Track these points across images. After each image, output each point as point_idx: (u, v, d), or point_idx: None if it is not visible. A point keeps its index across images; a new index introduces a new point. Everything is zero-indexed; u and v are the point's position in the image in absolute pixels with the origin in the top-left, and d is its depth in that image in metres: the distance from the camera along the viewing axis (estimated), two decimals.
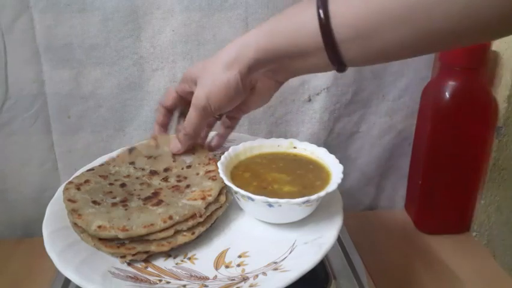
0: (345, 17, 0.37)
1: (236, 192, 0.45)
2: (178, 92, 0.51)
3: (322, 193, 0.43)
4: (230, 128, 0.55)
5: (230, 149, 0.51)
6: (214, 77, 0.44)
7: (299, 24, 0.40)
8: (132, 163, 0.53)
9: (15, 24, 0.61)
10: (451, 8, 0.33)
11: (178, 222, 0.43)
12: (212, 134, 0.58)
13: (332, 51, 0.39)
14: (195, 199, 0.45)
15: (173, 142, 0.52)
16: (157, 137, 0.55)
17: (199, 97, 0.45)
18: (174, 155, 0.54)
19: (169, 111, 0.53)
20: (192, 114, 0.47)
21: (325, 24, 0.38)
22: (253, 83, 0.48)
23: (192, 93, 0.48)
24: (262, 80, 0.48)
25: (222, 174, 0.46)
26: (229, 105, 0.46)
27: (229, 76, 0.43)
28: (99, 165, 0.53)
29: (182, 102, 0.52)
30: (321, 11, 0.38)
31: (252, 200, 0.43)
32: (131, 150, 0.55)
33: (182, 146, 0.51)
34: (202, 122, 0.48)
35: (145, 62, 0.66)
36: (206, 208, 0.45)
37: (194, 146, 0.55)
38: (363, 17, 0.37)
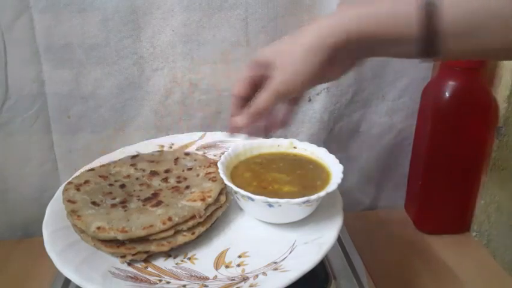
0: (455, 11, 0.36)
1: (236, 192, 0.45)
2: (250, 78, 0.48)
3: (322, 193, 0.43)
4: (297, 104, 0.52)
5: (230, 149, 0.51)
6: (295, 61, 0.42)
7: (399, 12, 0.38)
8: (133, 165, 0.53)
9: (15, 24, 0.61)
10: None
11: (177, 224, 0.43)
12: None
13: (431, 44, 0.38)
14: (195, 200, 0.45)
15: (235, 118, 0.48)
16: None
17: (277, 82, 0.43)
18: (176, 159, 0.54)
19: (243, 100, 0.48)
20: (267, 96, 0.44)
21: (430, 17, 0.36)
22: (334, 63, 0.45)
23: (265, 77, 0.45)
24: (342, 59, 0.44)
25: (222, 174, 0.46)
26: (308, 89, 0.45)
27: (312, 60, 0.41)
28: (100, 166, 0.53)
29: (255, 89, 0.48)
30: (426, 3, 0.36)
31: (252, 200, 0.43)
32: (134, 157, 0.56)
33: (247, 121, 0.47)
34: (275, 104, 0.45)
35: (145, 62, 0.66)
36: (206, 209, 0.45)
37: (195, 156, 0.55)
38: (477, 11, 0.36)
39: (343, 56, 0.42)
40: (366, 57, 0.45)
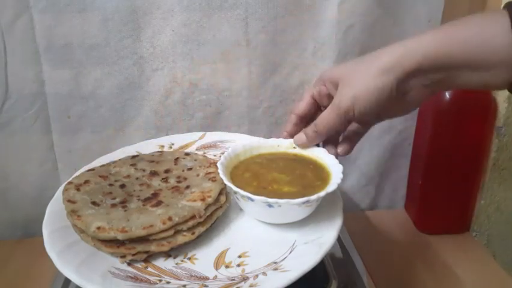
0: None
1: (236, 193, 0.45)
2: (313, 97, 0.46)
3: (322, 193, 0.43)
4: (360, 134, 0.50)
5: (230, 149, 0.51)
6: (366, 80, 0.40)
7: (484, 34, 0.36)
8: (133, 165, 0.53)
9: (15, 24, 0.61)
10: None
11: (177, 224, 0.43)
12: None
13: None
14: (195, 200, 0.45)
15: (299, 134, 0.47)
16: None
17: (344, 98, 0.41)
18: (176, 159, 0.54)
19: (301, 120, 0.47)
20: (330, 114, 0.43)
21: None
22: (407, 91, 0.42)
23: (329, 96, 0.44)
24: (416, 88, 0.42)
25: (221, 175, 0.46)
26: (375, 112, 0.42)
27: (384, 81, 0.39)
28: (100, 166, 0.53)
29: (317, 108, 0.47)
30: None
31: (252, 200, 0.43)
32: (134, 157, 0.56)
33: (308, 141, 0.47)
34: (338, 124, 0.43)
35: (145, 62, 0.66)
36: (206, 209, 0.45)
37: (195, 156, 0.55)
38: None
39: (417, 83, 0.40)
40: (442, 88, 0.43)
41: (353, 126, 0.49)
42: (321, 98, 0.46)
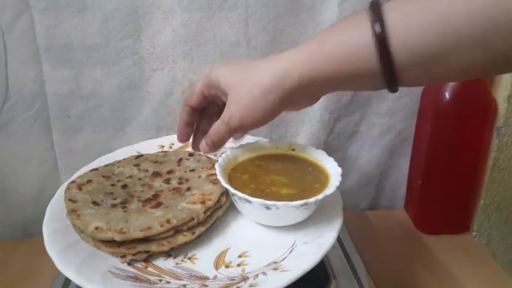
0: (408, 42, 0.34)
1: (233, 195, 0.45)
2: (204, 94, 0.48)
3: (320, 196, 0.43)
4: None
5: (228, 151, 0.51)
6: (252, 99, 0.42)
7: (351, 46, 0.37)
8: (137, 165, 0.53)
9: (15, 24, 0.61)
10: None
11: (175, 227, 0.43)
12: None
13: (389, 77, 0.36)
14: (194, 203, 0.45)
15: (202, 143, 0.49)
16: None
17: (234, 117, 0.43)
18: (179, 160, 0.54)
19: (194, 111, 0.51)
20: (222, 129, 0.45)
21: (383, 51, 0.35)
22: (295, 100, 0.44)
23: (219, 98, 0.46)
24: (304, 96, 0.44)
25: (219, 176, 0.46)
26: (264, 122, 0.44)
27: (268, 101, 0.41)
28: (104, 166, 0.53)
29: (208, 103, 0.50)
30: (376, 34, 0.35)
31: (250, 202, 0.43)
32: (138, 157, 0.56)
33: (210, 150, 0.49)
34: (230, 135, 0.46)
35: (145, 62, 0.66)
36: (205, 211, 0.44)
37: (198, 157, 0.55)
38: (430, 41, 0.33)
39: (301, 95, 0.42)
40: (329, 92, 0.44)
41: None
42: (212, 97, 0.48)
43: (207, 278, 0.41)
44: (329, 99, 0.70)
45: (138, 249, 0.42)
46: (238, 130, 0.45)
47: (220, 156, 0.50)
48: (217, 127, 0.46)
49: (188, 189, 0.48)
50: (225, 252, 0.44)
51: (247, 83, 0.43)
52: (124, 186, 0.49)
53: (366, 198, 0.80)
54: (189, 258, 0.43)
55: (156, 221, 0.42)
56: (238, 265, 0.42)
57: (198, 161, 0.54)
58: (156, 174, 0.52)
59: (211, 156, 0.57)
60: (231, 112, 0.44)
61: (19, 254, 0.68)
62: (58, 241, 0.43)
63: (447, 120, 0.65)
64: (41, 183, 0.69)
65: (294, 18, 0.65)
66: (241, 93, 0.43)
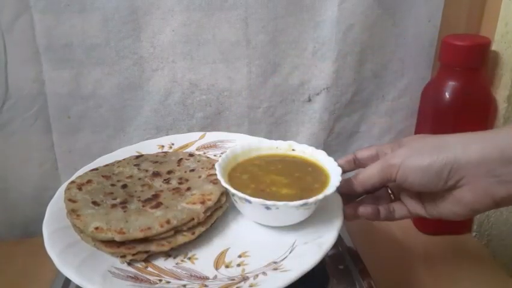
0: None
1: (233, 195, 0.45)
2: (377, 151, 0.48)
3: (320, 196, 0.43)
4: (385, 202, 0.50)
5: (228, 151, 0.51)
6: (421, 149, 0.42)
7: None
8: (137, 165, 0.53)
9: (15, 24, 0.61)
10: None
11: (175, 227, 0.43)
12: None
13: None
14: (194, 203, 0.45)
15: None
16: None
17: (396, 155, 0.43)
18: (179, 160, 0.54)
19: (354, 162, 0.50)
20: (376, 165, 0.44)
21: None
22: (461, 183, 0.41)
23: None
24: (473, 186, 0.41)
25: (219, 176, 0.46)
26: (419, 185, 0.43)
27: (436, 156, 0.41)
28: (104, 166, 0.53)
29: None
30: None
31: (250, 202, 0.43)
32: (138, 157, 0.56)
33: (353, 189, 0.47)
34: (377, 177, 0.44)
35: (145, 62, 0.66)
36: (205, 211, 0.44)
37: (198, 158, 0.55)
38: None
39: (480, 171, 0.40)
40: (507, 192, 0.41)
41: (384, 192, 0.50)
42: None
43: (207, 278, 0.41)
44: (328, 99, 0.70)
45: (138, 249, 0.42)
46: (391, 172, 0.43)
47: (220, 156, 0.50)
48: (369, 167, 0.45)
49: (188, 189, 0.48)
50: (225, 252, 0.44)
51: (426, 140, 0.44)
52: (124, 186, 0.49)
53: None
54: (189, 258, 0.43)
55: (156, 221, 0.42)
56: (238, 265, 0.42)
57: (198, 161, 0.54)
58: (156, 174, 0.52)
59: (211, 156, 0.57)
60: (396, 152, 0.43)
61: (19, 254, 0.68)
62: (58, 241, 0.43)
63: (447, 120, 0.65)
64: (41, 183, 0.69)
65: (294, 18, 0.65)
66: (415, 144, 0.44)
